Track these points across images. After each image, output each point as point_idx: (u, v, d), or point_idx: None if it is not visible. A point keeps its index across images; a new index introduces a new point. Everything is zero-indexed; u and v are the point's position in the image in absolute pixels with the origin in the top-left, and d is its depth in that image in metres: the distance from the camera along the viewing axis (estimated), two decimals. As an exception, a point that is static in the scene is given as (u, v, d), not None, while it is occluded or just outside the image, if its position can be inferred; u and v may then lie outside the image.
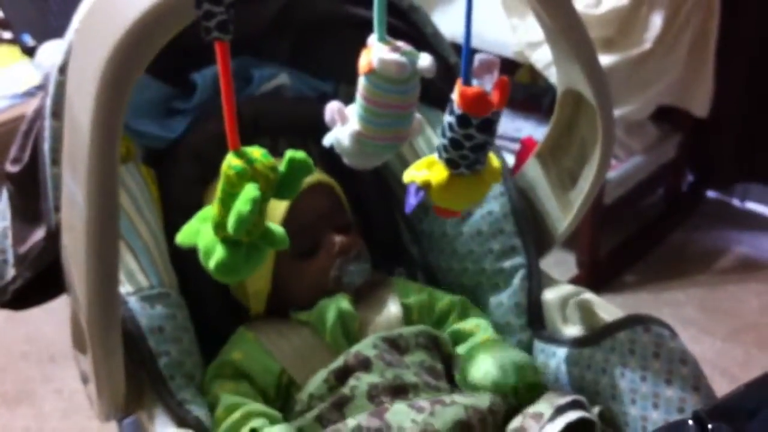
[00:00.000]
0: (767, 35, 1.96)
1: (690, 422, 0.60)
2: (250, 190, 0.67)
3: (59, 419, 1.65)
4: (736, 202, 2.27)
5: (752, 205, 2.25)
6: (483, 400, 0.84)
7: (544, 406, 0.84)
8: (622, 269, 2.03)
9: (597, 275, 1.93)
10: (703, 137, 2.09)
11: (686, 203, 2.24)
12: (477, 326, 0.99)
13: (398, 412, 0.81)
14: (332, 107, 0.78)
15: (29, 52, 2.18)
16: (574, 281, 1.81)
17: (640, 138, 1.99)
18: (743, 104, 2.04)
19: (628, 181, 1.96)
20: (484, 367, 0.89)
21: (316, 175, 1.01)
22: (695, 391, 0.78)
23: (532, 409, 0.84)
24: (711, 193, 2.29)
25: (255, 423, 0.83)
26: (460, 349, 0.97)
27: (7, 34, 2.26)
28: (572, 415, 0.81)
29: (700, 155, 2.16)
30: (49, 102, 0.87)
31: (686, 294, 1.95)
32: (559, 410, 0.81)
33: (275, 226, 0.73)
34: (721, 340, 1.81)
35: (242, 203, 0.67)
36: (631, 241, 2.11)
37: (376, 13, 0.72)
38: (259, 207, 0.68)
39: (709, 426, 0.58)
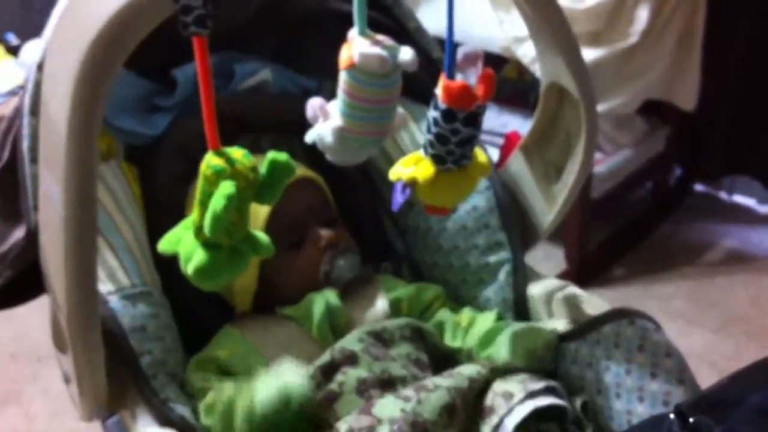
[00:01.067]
0: (755, 30, 1.97)
1: (671, 416, 0.60)
2: (226, 187, 0.66)
3: (47, 419, 1.63)
4: (723, 195, 2.27)
5: (739, 198, 2.25)
6: (462, 380, 0.85)
7: (516, 387, 0.84)
8: (611, 263, 2.02)
9: (585, 269, 1.93)
10: (691, 131, 2.09)
11: (674, 197, 2.25)
12: (473, 317, 0.98)
13: (385, 404, 0.81)
14: (314, 103, 0.78)
15: (13, 50, 2.16)
16: (563, 275, 1.80)
17: (628, 132, 1.99)
18: (731, 98, 2.04)
19: (616, 175, 1.95)
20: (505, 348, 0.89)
21: (301, 170, 1.00)
22: (680, 384, 0.78)
23: (502, 388, 0.84)
24: (698, 187, 2.29)
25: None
26: (472, 339, 0.96)
27: (-9, 34, 2.24)
28: (543, 401, 0.81)
29: (687, 149, 2.16)
30: (27, 100, 0.87)
31: (675, 287, 1.95)
32: (532, 395, 0.82)
33: (260, 233, 0.72)
34: (710, 333, 1.81)
35: (217, 200, 0.65)
36: (619, 234, 2.11)
37: (357, 7, 0.72)
38: (237, 205, 0.67)
39: (690, 420, 0.58)
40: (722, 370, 1.72)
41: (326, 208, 1.03)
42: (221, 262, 0.69)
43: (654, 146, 2.06)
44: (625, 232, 2.13)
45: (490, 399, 0.84)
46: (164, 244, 0.72)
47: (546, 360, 0.90)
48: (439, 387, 0.83)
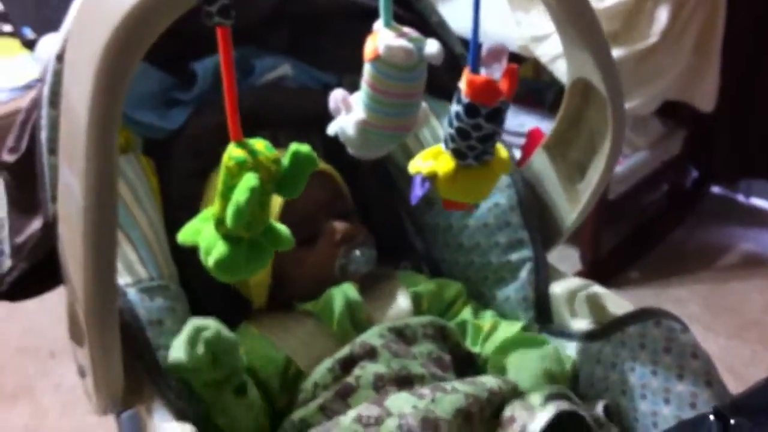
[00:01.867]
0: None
1: (711, 418, 0.58)
2: (249, 179, 0.65)
3: (58, 415, 1.63)
4: (740, 198, 2.26)
5: (757, 201, 2.24)
6: (482, 390, 0.83)
7: (534, 397, 0.83)
8: (626, 265, 2.01)
9: (600, 271, 1.92)
10: (707, 133, 2.07)
11: (690, 199, 2.23)
12: (496, 323, 0.97)
13: (398, 398, 0.80)
14: (337, 95, 0.77)
15: (29, 45, 2.17)
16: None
17: (645, 133, 1.98)
18: (746, 99, 2.02)
19: (632, 176, 1.94)
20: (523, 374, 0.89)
21: None
22: (707, 386, 0.77)
23: (522, 400, 0.83)
24: (715, 189, 2.28)
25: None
26: (491, 346, 0.95)
27: (8, 27, 2.24)
28: (564, 406, 0.80)
29: (704, 151, 2.15)
30: (46, 91, 0.86)
31: (690, 291, 1.93)
32: (551, 398, 0.81)
33: (280, 225, 0.71)
34: (726, 338, 1.79)
35: (240, 192, 0.65)
36: (634, 237, 2.10)
37: (383, -1, 0.71)
38: (259, 198, 0.66)
39: (732, 421, 0.56)
40: (739, 375, 1.71)
41: (341, 201, 1.01)
42: (242, 255, 0.68)
43: (670, 148, 2.04)
44: (640, 235, 2.12)
45: (509, 411, 0.82)
46: (183, 236, 0.71)
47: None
48: (457, 390, 0.81)
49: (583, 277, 0.97)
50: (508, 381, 0.87)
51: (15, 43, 2.20)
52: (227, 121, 0.66)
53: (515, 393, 0.86)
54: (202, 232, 0.70)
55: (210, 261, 0.68)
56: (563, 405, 0.80)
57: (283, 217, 0.92)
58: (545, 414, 0.78)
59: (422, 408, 0.78)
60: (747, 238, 2.11)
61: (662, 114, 1.94)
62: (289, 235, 0.71)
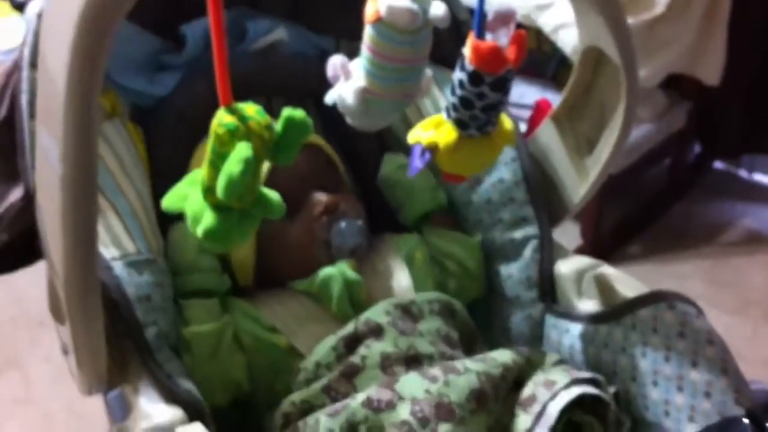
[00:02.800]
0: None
1: (745, 421, 0.54)
2: (243, 150, 0.61)
3: (47, 385, 1.61)
4: (743, 173, 2.24)
5: (760, 177, 2.22)
6: (494, 366, 0.80)
7: (559, 375, 0.80)
8: (627, 240, 2.00)
9: (601, 246, 1.90)
10: (711, 107, 2.04)
11: (692, 174, 2.21)
12: None
13: (409, 381, 0.77)
14: (335, 61, 0.73)
15: (19, 7, 2.11)
16: (578, 252, 1.76)
17: (649, 106, 1.94)
18: (751, 74, 2.00)
19: (636, 150, 1.92)
20: None
21: None
22: (723, 373, 0.74)
23: (544, 378, 0.81)
24: (717, 165, 2.26)
25: None
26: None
27: (-4, -11, 2.19)
28: (590, 390, 0.77)
29: (707, 125, 2.12)
30: (27, 52, 0.82)
31: (692, 267, 1.92)
32: (577, 382, 0.78)
33: (271, 191, 0.67)
34: (728, 314, 1.78)
35: (233, 164, 0.61)
36: (636, 212, 2.08)
37: (385, -44, 0.66)
38: (253, 169, 0.62)
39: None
40: (740, 353, 1.67)
41: (328, 172, 0.97)
42: (232, 225, 0.64)
43: (674, 122, 2.02)
44: (641, 209, 2.10)
45: (530, 389, 0.80)
46: (168, 201, 0.67)
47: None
48: (469, 370, 0.78)
49: (584, 252, 0.94)
50: (521, 353, 0.84)
51: (5, 5, 2.15)
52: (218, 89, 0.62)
53: (530, 365, 0.83)
54: (188, 198, 0.66)
55: (199, 230, 0.65)
56: (590, 389, 0.77)
57: None
58: (568, 394, 0.76)
59: (435, 393, 0.76)
60: (749, 214, 2.10)
61: (667, 87, 1.91)
62: (279, 202, 0.67)
